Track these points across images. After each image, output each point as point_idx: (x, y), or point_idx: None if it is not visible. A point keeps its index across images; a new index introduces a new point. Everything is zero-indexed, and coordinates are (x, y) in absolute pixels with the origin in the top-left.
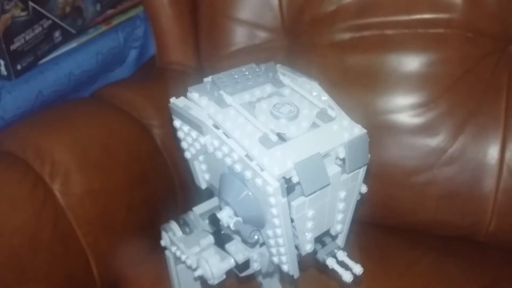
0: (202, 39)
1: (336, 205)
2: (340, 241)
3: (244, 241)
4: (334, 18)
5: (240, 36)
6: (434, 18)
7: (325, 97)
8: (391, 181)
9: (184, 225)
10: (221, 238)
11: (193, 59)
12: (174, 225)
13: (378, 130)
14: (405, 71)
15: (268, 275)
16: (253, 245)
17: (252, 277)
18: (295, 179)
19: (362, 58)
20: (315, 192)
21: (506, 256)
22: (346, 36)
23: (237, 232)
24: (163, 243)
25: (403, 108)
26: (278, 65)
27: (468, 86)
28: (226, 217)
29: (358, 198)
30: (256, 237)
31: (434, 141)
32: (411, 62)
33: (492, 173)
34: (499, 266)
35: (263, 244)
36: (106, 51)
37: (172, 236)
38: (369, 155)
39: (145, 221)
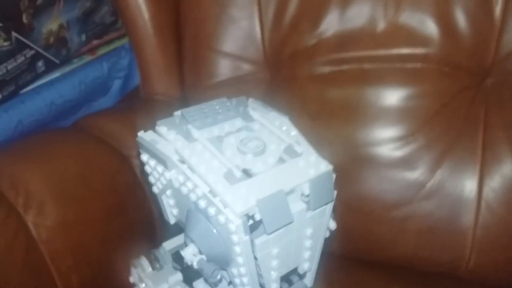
0: (186, 70)
1: (302, 242)
2: (308, 280)
3: (207, 280)
4: (315, 52)
5: (223, 68)
6: (411, 53)
7: (294, 132)
8: (371, 215)
9: (154, 260)
10: (190, 275)
11: (177, 90)
12: (143, 261)
13: (358, 163)
14: (384, 104)
15: None
16: (215, 284)
17: None
18: (258, 216)
19: (341, 91)
20: (277, 229)
21: None
22: (326, 69)
23: (200, 270)
24: (131, 279)
25: (383, 141)
26: (250, 99)
27: (445, 120)
28: (189, 254)
29: (327, 235)
30: (218, 276)
31: (413, 175)
32: (390, 96)
33: (470, 208)
34: None
35: (231, 283)
36: (89, 81)
37: (141, 273)
38: (336, 192)
39: (121, 255)
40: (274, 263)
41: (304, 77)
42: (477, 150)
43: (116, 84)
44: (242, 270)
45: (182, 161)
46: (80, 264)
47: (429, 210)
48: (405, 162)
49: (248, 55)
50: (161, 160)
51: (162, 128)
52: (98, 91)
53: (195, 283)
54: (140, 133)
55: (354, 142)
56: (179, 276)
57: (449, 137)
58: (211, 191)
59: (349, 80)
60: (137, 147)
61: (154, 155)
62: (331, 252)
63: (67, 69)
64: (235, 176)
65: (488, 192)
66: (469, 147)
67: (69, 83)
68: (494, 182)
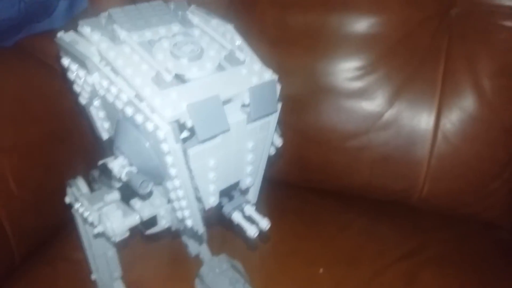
0: None
1: (243, 156)
2: (251, 195)
3: (137, 193)
4: None
5: None
6: None
7: (239, 41)
8: (328, 145)
9: (93, 181)
10: (127, 193)
11: None
12: (79, 181)
13: (317, 93)
14: (346, 32)
15: (194, 237)
16: (145, 197)
17: (160, 236)
18: (189, 124)
19: (303, 17)
20: (212, 137)
21: (437, 221)
22: None
23: (129, 182)
24: (67, 199)
25: (342, 71)
26: (192, 6)
27: (407, 50)
28: (118, 166)
29: (273, 153)
30: (148, 188)
31: (371, 106)
32: (352, 24)
33: (426, 138)
34: (430, 230)
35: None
36: None
37: (76, 192)
38: (280, 104)
39: (63, 184)
40: (211, 175)
41: (264, 2)
42: (437, 82)
43: (62, 5)
44: (176, 183)
45: (106, 64)
46: (21, 190)
47: (385, 140)
48: (364, 93)
49: None
50: (81, 62)
51: (85, 28)
52: (41, 11)
53: (132, 201)
54: (60, 34)
55: (313, 71)
56: (115, 194)
57: (410, 67)
58: (137, 96)
59: (312, 6)
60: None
61: (74, 57)
62: (286, 181)
63: None
64: (165, 80)
65: (445, 123)
66: (429, 78)
67: (8, 1)
68: (452, 114)
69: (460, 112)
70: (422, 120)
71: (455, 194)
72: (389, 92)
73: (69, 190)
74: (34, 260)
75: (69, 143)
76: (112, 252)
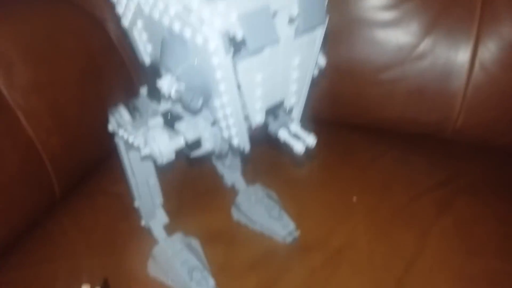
0: None
1: (289, 73)
2: (296, 114)
3: (188, 108)
4: None
5: None
6: None
7: None
8: (361, 78)
9: (134, 110)
10: (171, 118)
11: None
12: (121, 108)
13: (349, 24)
14: None
15: (229, 166)
16: (196, 112)
17: (205, 160)
18: (239, 36)
19: None
20: (261, 49)
21: (471, 152)
22: None
23: (179, 100)
24: (110, 127)
25: (375, 1)
26: None
27: None
28: (166, 84)
29: (316, 73)
30: (200, 102)
31: (406, 36)
32: None
33: (463, 68)
34: (463, 160)
35: (215, 122)
36: None
37: (119, 119)
38: (328, 16)
39: (101, 120)
40: (258, 91)
41: None
42: (476, 8)
43: None
44: (225, 99)
45: None
46: (59, 127)
47: (420, 71)
48: (399, 22)
49: None
50: None
51: None
52: None
53: (176, 125)
54: None
55: (346, 2)
56: (159, 119)
57: None
58: (185, 8)
59: None
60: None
61: None
62: (316, 117)
63: None
64: None
65: (483, 51)
66: (467, 4)
67: None
68: (491, 42)
69: (499, 39)
70: (459, 49)
71: (491, 124)
72: (425, 20)
73: (111, 118)
74: (74, 194)
75: (103, 80)
76: (153, 180)
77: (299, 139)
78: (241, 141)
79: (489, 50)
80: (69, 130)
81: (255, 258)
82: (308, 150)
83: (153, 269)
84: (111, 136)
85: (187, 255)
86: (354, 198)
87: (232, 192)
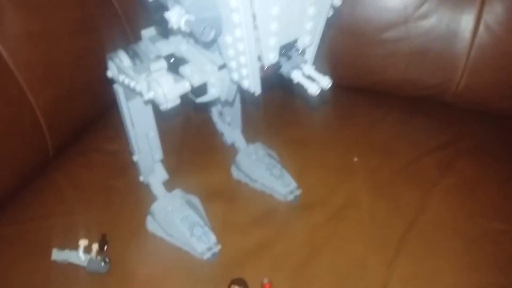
0: None
1: (305, 9)
2: (309, 56)
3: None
4: None
5: None
6: None
7: None
8: (363, 38)
9: (134, 56)
10: (174, 62)
11: None
12: (121, 53)
13: None
14: None
15: (229, 123)
16: (208, 46)
17: (208, 108)
18: None
19: None
20: None
21: (472, 116)
22: None
23: (189, 33)
24: (109, 73)
25: None
26: None
27: None
28: (176, 15)
29: (331, 13)
30: (212, 33)
31: None
32: None
33: (468, 28)
34: (464, 123)
35: (222, 67)
36: None
37: (119, 64)
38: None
39: (96, 76)
40: (274, 26)
41: None
42: None
43: None
44: (238, 33)
45: None
46: (52, 79)
47: (424, 30)
48: None
49: None
50: None
51: None
52: None
53: (181, 68)
54: None
55: None
56: (162, 62)
57: None
58: None
59: None
60: None
61: None
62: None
63: None
64: None
65: (489, 12)
66: None
67: None
68: (497, 2)
69: (505, 1)
70: (464, 9)
71: (493, 87)
72: None
73: (110, 64)
74: (68, 152)
75: (97, 32)
76: (153, 133)
77: (314, 81)
78: (252, 82)
79: (495, 10)
80: (63, 84)
81: (256, 215)
82: (322, 92)
83: (152, 226)
84: (106, 90)
85: (188, 211)
86: (355, 158)
87: (232, 151)
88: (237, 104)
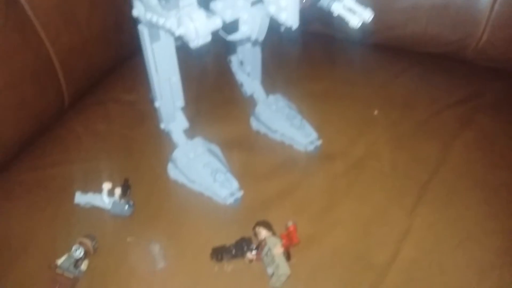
0: None
1: None
2: None
3: None
4: None
5: None
6: None
7: None
8: None
9: None
10: None
11: None
12: None
13: None
14: None
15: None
16: None
17: (234, 49)
18: None
19: None
20: None
21: (491, 72)
22: None
23: None
24: (135, 12)
25: None
26: None
27: None
28: None
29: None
30: None
31: None
32: None
33: None
34: (484, 80)
35: (255, 3)
36: None
37: (146, 1)
38: None
39: (112, 24)
40: None
41: None
42: None
43: None
44: None
45: None
46: (68, 26)
47: None
48: None
49: None
50: None
51: None
52: None
53: (212, 4)
54: None
55: None
56: None
57: None
58: None
59: None
60: None
61: None
62: (334, 36)
63: None
64: None
65: None
66: None
67: None
68: None
69: None
70: None
71: None
72: None
73: (136, 2)
74: (85, 102)
75: None
76: (176, 78)
77: (355, 14)
78: (291, 15)
79: None
80: (79, 31)
81: (276, 164)
82: (364, 25)
83: (173, 173)
84: (122, 41)
85: (209, 158)
86: (376, 111)
87: (250, 103)
88: (258, 53)
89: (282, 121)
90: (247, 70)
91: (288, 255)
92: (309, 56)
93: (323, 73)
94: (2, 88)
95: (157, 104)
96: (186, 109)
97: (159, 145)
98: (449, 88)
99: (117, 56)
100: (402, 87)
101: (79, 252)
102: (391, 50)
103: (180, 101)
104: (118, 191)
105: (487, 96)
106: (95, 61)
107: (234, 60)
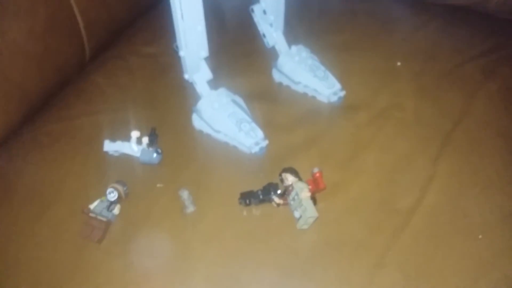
0: None
1: None
2: None
3: None
4: None
5: None
6: None
7: None
8: None
9: None
10: None
11: None
12: None
13: None
14: None
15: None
16: None
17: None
18: None
19: None
20: None
21: None
22: None
23: None
24: None
25: None
26: None
27: None
28: None
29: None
30: None
31: None
32: None
33: None
34: (505, 33)
35: None
36: None
37: None
38: None
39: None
40: None
41: None
42: None
43: None
44: None
45: None
46: (97, 5)
47: None
48: None
49: None
50: None
51: None
52: None
53: None
54: None
55: None
56: None
57: None
58: None
59: None
60: None
61: None
62: None
63: None
64: None
65: None
66: None
67: None
68: None
69: None
70: None
71: None
72: None
73: None
74: (106, 55)
75: None
76: (201, 27)
77: None
78: None
79: None
80: (106, 10)
81: (300, 114)
82: None
83: (198, 123)
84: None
85: (234, 108)
86: (399, 63)
87: (271, 55)
88: (282, 2)
89: (305, 72)
90: (270, 20)
91: (314, 200)
92: (330, 7)
93: (343, 25)
94: (26, 37)
95: (181, 53)
96: (207, 62)
97: (182, 96)
98: (471, 41)
99: (136, 8)
100: (425, 39)
101: (113, 195)
102: (413, 2)
103: (204, 51)
104: (145, 140)
105: (510, 49)
106: (115, 12)
107: (256, 9)
